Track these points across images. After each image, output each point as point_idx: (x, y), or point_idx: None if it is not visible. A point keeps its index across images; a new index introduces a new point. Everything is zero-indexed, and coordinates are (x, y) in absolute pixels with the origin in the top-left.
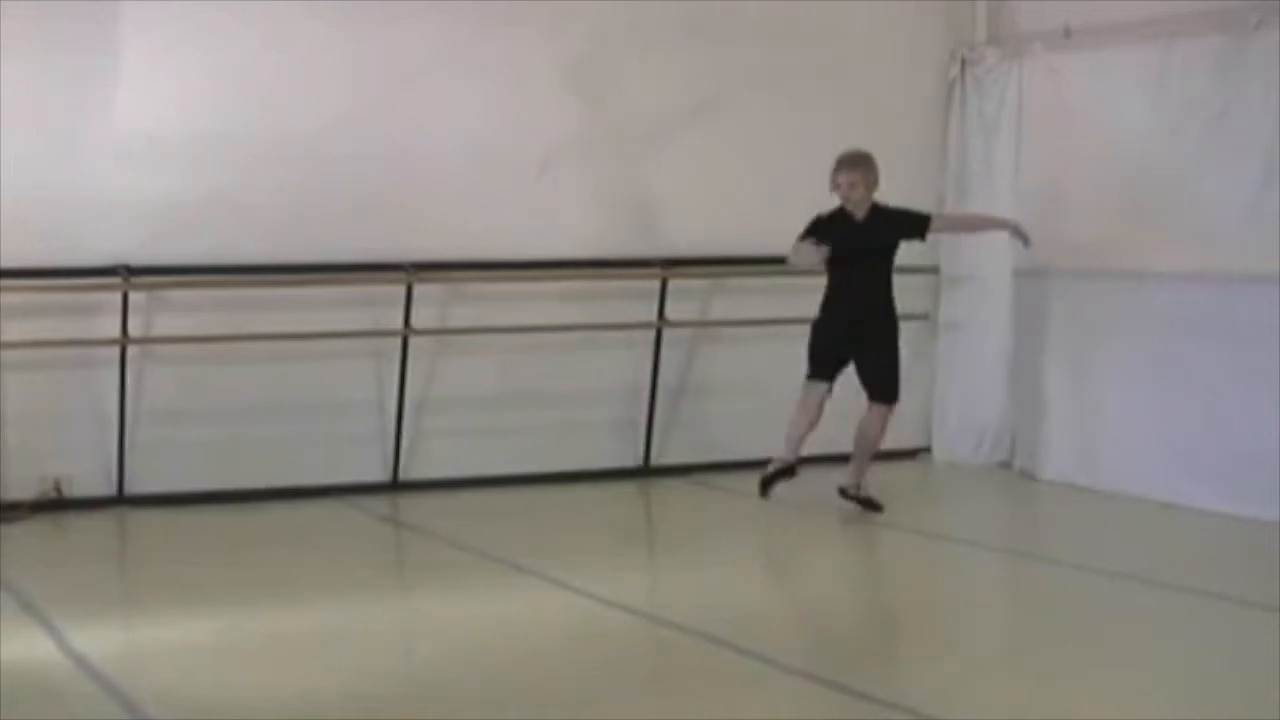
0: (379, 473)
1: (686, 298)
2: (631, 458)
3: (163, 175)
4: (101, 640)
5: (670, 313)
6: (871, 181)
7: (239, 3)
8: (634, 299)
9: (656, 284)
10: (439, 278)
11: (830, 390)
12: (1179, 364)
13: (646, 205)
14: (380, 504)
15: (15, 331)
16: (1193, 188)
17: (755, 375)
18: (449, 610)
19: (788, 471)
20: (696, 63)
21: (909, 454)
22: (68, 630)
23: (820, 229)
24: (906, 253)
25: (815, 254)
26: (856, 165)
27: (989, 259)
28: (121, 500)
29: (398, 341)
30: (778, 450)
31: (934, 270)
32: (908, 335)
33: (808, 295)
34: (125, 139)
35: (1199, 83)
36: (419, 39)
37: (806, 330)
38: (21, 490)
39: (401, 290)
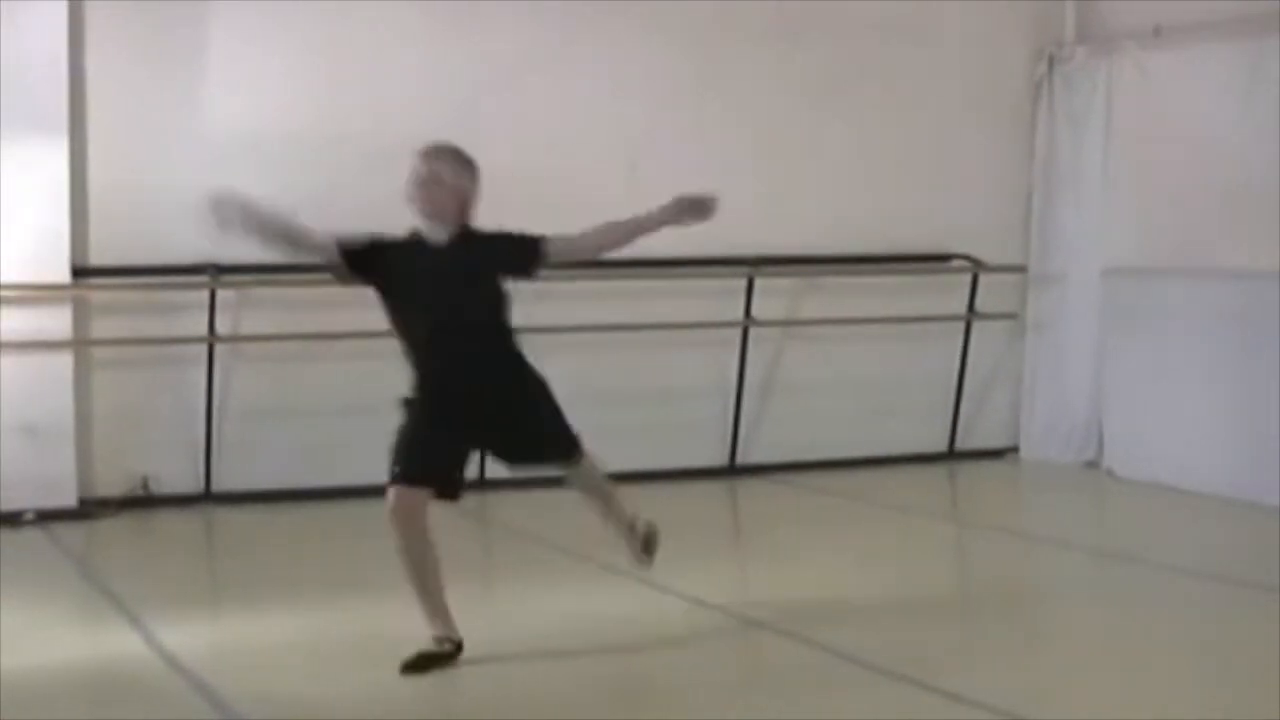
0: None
1: (775, 296)
2: (718, 457)
3: (252, 174)
4: (189, 637)
5: (759, 311)
6: (465, 186)
7: (334, 4)
8: (721, 297)
9: (743, 283)
10: None
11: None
12: (1269, 364)
13: (736, 204)
14: (466, 502)
15: (104, 329)
16: None
17: (840, 374)
18: (537, 608)
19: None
20: (786, 62)
21: (997, 453)
22: (156, 627)
23: (379, 252)
24: (994, 251)
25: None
26: (444, 155)
27: (1077, 258)
28: (208, 498)
29: None
30: (860, 448)
31: (1021, 269)
32: (996, 334)
33: (891, 295)
34: (215, 138)
35: None
36: (510, 41)
37: (896, 330)
38: (109, 487)
39: None
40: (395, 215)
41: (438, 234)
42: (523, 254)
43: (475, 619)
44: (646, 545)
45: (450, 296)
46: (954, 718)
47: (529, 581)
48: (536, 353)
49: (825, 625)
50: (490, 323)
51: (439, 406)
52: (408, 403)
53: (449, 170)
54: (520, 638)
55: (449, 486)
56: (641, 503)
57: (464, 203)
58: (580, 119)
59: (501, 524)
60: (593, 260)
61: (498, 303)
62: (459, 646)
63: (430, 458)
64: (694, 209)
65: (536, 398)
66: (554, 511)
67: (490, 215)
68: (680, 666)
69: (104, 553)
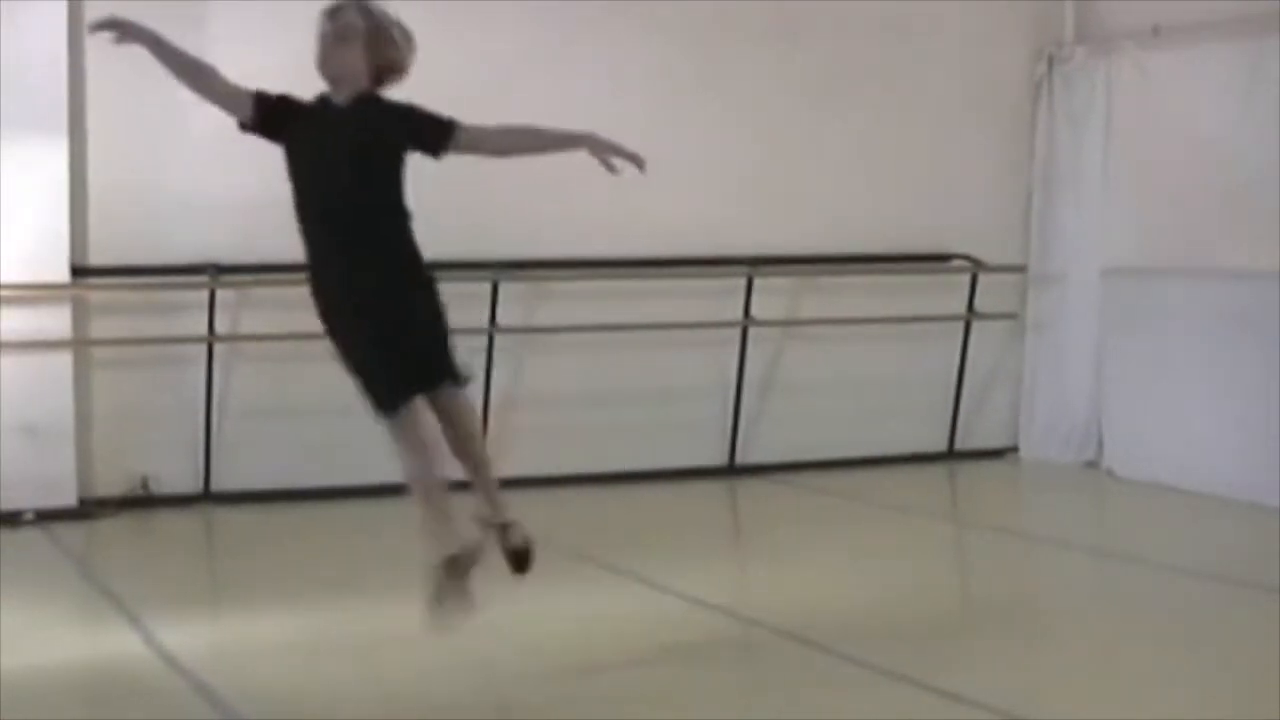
0: (463, 470)
1: (774, 295)
2: (718, 457)
3: (252, 174)
4: (189, 637)
5: (758, 310)
6: (385, 45)
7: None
8: (721, 297)
9: (743, 282)
10: (524, 276)
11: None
12: (1269, 364)
13: (736, 203)
14: (466, 501)
15: (104, 329)
16: None
17: (840, 374)
18: (538, 608)
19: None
20: (786, 61)
21: (997, 453)
22: (155, 627)
23: (290, 112)
24: (993, 251)
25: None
26: (359, 9)
27: (1077, 258)
28: (208, 497)
29: (483, 339)
30: (859, 448)
31: (1021, 269)
32: (995, 334)
33: (892, 294)
34: (215, 137)
35: None
36: (506, 37)
37: (896, 330)
38: (109, 487)
39: (487, 288)
40: None
41: (340, 97)
42: (433, 130)
43: (475, 619)
44: (516, 557)
45: (343, 164)
46: (953, 718)
47: (528, 581)
48: (538, 351)
49: (824, 625)
50: (382, 203)
51: (334, 308)
52: (315, 302)
53: (363, 23)
54: (519, 638)
55: (422, 379)
56: (641, 502)
57: (382, 65)
58: (579, 119)
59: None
60: (499, 156)
61: (394, 180)
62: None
63: (382, 374)
64: (611, 148)
65: (422, 300)
66: (554, 511)
67: (489, 214)
68: (679, 667)
69: (103, 552)
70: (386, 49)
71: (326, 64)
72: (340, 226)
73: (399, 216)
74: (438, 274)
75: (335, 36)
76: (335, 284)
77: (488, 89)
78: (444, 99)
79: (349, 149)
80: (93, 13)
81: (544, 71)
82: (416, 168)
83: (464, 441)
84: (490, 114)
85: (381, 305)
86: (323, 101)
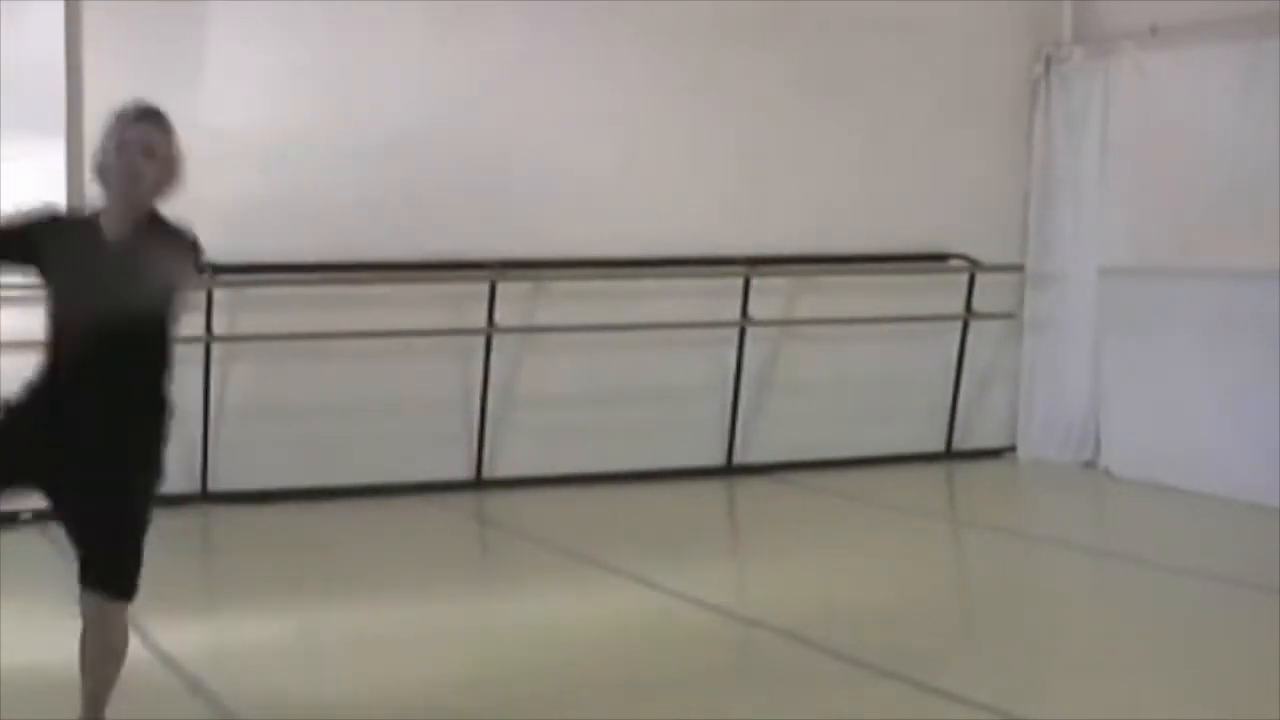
0: (463, 470)
1: (772, 295)
2: (716, 456)
3: (248, 173)
4: (186, 638)
5: (755, 310)
6: (170, 168)
7: (333, 3)
8: (719, 297)
9: (741, 282)
10: (523, 276)
11: None
12: (1263, 364)
13: (733, 203)
14: (464, 501)
15: None
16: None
17: (838, 373)
18: (534, 608)
19: None
20: (783, 61)
21: (994, 453)
22: (152, 627)
23: (43, 230)
24: (991, 251)
25: None
26: (162, 122)
27: (1074, 258)
28: (205, 497)
29: (481, 339)
30: (857, 448)
31: (1019, 269)
32: (993, 334)
33: (890, 294)
34: (212, 138)
35: None
36: (503, 37)
37: (893, 329)
38: None
39: (485, 288)
40: (383, 209)
41: (117, 225)
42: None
43: (473, 618)
44: None
45: (109, 326)
46: (950, 717)
47: (526, 581)
48: (536, 351)
49: (822, 625)
50: (141, 382)
51: (39, 411)
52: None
53: (163, 141)
54: (517, 637)
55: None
56: (639, 502)
57: (164, 186)
58: (577, 119)
59: (498, 524)
60: None
61: (161, 350)
62: None
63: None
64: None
65: (134, 481)
66: (552, 511)
67: (481, 215)
68: (677, 666)
69: None
70: (168, 173)
71: (122, 177)
72: (103, 372)
73: (162, 369)
74: (436, 273)
75: (140, 148)
76: (80, 417)
77: (485, 90)
78: (444, 99)
79: (136, 285)
80: (90, 14)
81: (539, 73)
82: (417, 170)
83: (97, 665)
84: (488, 115)
85: (109, 460)
86: (92, 225)
